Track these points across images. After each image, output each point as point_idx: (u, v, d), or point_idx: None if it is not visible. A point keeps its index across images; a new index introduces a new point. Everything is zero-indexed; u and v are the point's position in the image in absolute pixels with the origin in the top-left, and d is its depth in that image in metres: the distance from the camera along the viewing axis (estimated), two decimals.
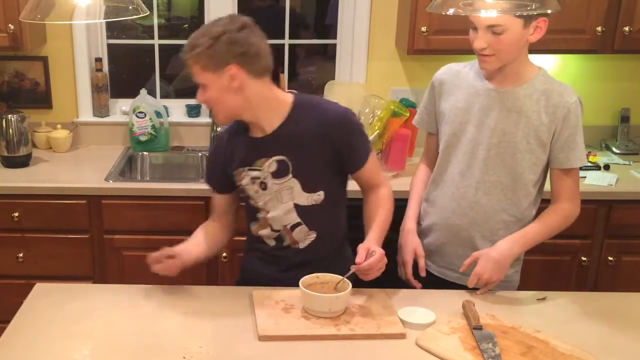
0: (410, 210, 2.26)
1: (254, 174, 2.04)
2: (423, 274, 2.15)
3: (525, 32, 1.94)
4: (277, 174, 2.01)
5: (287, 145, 2.00)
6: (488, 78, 2.07)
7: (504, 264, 2.01)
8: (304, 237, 2.08)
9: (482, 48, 1.96)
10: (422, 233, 2.24)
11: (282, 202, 2.04)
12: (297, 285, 1.88)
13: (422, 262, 2.15)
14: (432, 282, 2.16)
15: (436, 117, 2.20)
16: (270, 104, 1.98)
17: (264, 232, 2.11)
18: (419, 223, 2.25)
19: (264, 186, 2.03)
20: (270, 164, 2.01)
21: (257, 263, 2.18)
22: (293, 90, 2.08)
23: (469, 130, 2.08)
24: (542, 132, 2.02)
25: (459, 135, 2.10)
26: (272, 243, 2.12)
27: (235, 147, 2.07)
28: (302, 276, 1.91)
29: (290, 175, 2.01)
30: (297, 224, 2.06)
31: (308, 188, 2.02)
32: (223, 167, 2.10)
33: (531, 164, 2.06)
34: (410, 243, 2.18)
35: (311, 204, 2.04)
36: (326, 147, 1.99)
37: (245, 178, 2.05)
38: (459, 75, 2.14)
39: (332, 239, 2.13)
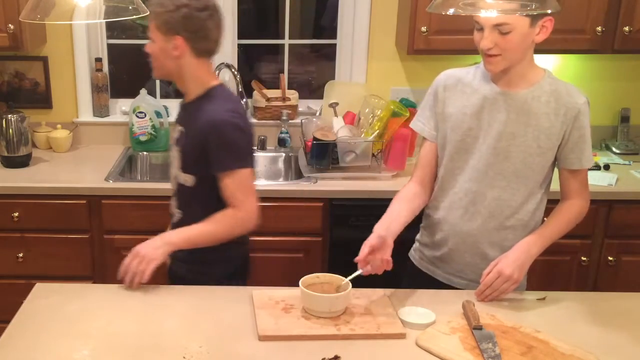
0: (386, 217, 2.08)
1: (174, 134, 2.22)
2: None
3: (531, 31, 1.91)
4: (176, 141, 2.18)
5: (188, 120, 2.15)
6: (494, 81, 2.03)
7: (525, 263, 1.99)
8: (174, 211, 2.22)
9: (489, 48, 1.92)
10: (429, 241, 2.20)
11: (173, 167, 2.20)
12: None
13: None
14: (439, 288, 2.14)
15: (438, 124, 2.13)
16: (196, 81, 2.11)
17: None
18: (426, 231, 2.22)
19: (171, 147, 2.24)
20: (176, 130, 2.20)
21: None
22: (221, 81, 2.22)
23: (478, 136, 2.04)
24: (552, 134, 2.00)
25: (468, 141, 2.06)
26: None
27: None
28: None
29: (179, 147, 2.15)
30: (174, 194, 2.23)
31: (181, 166, 2.14)
32: None
33: (541, 166, 2.04)
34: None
35: (181, 182, 2.16)
36: (200, 141, 2.07)
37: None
38: (463, 81, 2.08)
39: None
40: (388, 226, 2.01)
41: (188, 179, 2.12)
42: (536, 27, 1.92)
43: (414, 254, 2.30)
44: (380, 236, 1.93)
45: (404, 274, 2.29)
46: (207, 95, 2.10)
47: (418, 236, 2.28)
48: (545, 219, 2.12)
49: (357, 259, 1.91)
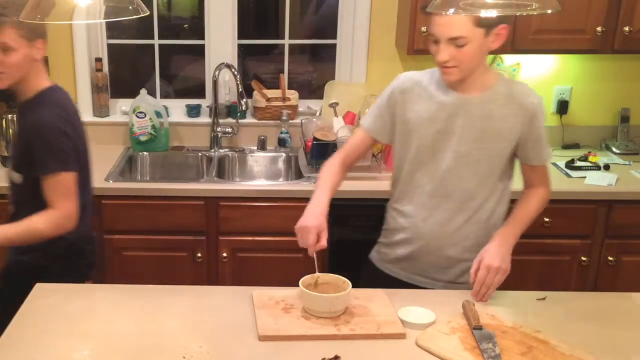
0: (323, 196, 2.13)
1: None
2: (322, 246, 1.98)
3: (486, 40, 1.94)
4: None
5: (20, 121, 2.21)
6: (451, 87, 2.05)
7: (506, 254, 2.00)
8: (10, 205, 2.25)
9: (445, 61, 1.95)
10: (392, 244, 2.22)
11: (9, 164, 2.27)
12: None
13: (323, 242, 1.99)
14: (401, 288, 2.13)
15: (392, 126, 2.14)
16: (34, 82, 2.14)
17: None
18: (389, 234, 2.24)
19: None
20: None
21: None
22: (53, 85, 2.19)
23: (438, 140, 2.06)
24: (510, 134, 2.04)
25: (427, 145, 2.07)
26: None
27: None
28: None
29: (12, 147, 2.21)
30: (9, 189, 2.26)
31: (13, 164, 2.20)
32: None
33: (502, 166, 2.08)
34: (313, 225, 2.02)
35: (12, 179, 2.20)
36: (26, 143, 2.10)
37: None
38: (420, 85, 2.09)
39: None
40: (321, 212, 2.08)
41: (17, 177, 2.17)
42: (491, 36, 1.95)
43: (375, 255, 2.31)
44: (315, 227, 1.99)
45: (362, 276, 2.28)
46: (37, 97, 2.14)
47: (380, 238, 2.29)
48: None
49: (310, 247, 1.95)
